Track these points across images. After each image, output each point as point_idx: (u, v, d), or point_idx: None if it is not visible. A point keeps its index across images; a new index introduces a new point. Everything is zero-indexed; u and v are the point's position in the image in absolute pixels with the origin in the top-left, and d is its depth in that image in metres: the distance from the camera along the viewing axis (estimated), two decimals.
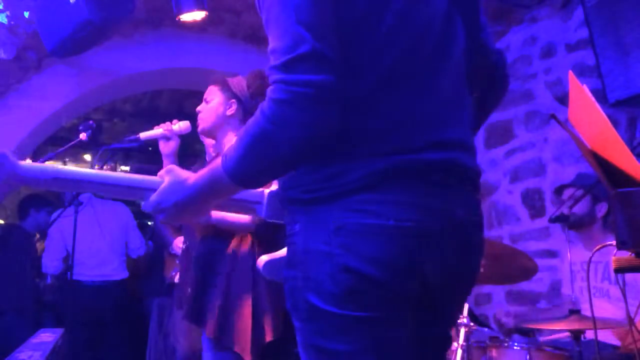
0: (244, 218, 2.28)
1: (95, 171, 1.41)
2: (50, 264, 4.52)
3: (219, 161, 1.18)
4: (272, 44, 1.10)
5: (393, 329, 1.14)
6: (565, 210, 3.18)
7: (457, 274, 1.22)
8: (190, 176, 1.27)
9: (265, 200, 1.38)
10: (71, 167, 1.38)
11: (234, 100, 2.42)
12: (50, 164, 1.38)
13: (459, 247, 1.19)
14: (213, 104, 2.44)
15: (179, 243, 3.47)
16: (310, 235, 1.14)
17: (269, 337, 2.30)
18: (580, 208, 3.09)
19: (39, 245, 4.89)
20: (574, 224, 3.13)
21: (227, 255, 2.37)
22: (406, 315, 1.16)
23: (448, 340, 1.33)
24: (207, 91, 2.50)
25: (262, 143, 1.10)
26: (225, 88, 2.45)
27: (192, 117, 3.25)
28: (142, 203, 1.33)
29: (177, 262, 3.63)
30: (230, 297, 2.32)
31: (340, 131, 1.12)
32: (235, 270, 2.35)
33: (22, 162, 1.34)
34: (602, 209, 3.07)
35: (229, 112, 2.40)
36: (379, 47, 1.15)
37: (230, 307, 2.31)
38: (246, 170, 1.14)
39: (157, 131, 2.75)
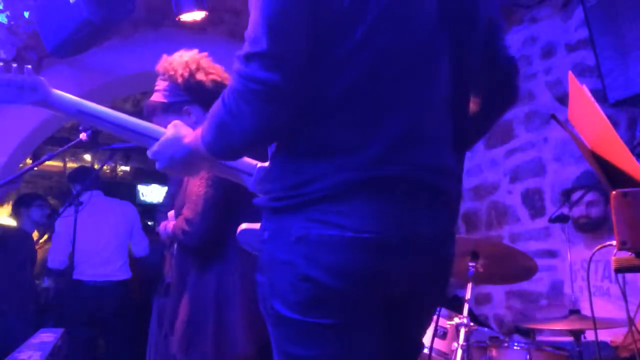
0: None
1: (115, 113, 1.51)
2: (56, 258, 4.51)
3: (198, 136, 1.28)
4: (247, 29, 1.17)
5: (357, 336, 1.17)
6: (565, 210, 3.18)
7: (421, 286, 1.24)
8: (187, 134, 1.36)
9: (254, 173, 1.46)
10: (94, 105, 1.50)
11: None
12: (77, 99, 1.49)
13: (423, 260, 1.21)
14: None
15: None
16: (276, 244, 1.18)
17: (241, 349, 2.04)
18: (596, 211, 3.10)
19: (42, 245, 4.90)
20: (588, 227, 3.13)
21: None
22: (370, 323, 1.18)
23: (418, 348, 1.38)
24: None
25: (223, 129, 1.19)
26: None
27: None
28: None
29: None
30: (194, 310, 2.14)
31: (307, 141, 1.17)
32: (200, 283, 2.15)
33: (54, 91, 1.48)
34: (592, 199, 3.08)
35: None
36: (349, 59, 1.16)
37: (194, 321, 2.12)
38: (216, 146, 1.23)
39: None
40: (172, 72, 2.27)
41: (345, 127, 1.16)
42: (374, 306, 1.18)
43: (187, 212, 2.13)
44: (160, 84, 2.28)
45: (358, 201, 1.13)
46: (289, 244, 1.15)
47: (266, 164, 1.37)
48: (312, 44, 1.14)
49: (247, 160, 1.47)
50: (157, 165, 1.42)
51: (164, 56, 2.35)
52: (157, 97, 2.27)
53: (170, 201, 3.60)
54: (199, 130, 1.28)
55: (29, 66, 1.46)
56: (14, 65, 1.44)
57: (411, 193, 1.17)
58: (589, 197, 3.13)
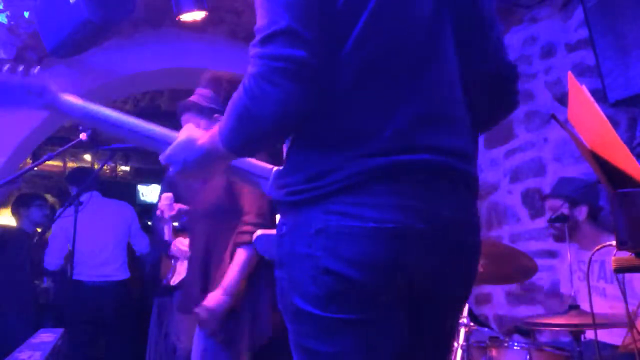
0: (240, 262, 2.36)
1: (122, 116, 1.49)
2: (52, 260, 4.52)
3: (215, 134, 1.23)
4: (257, 23, 1.14)
5: (378, 332, 1.14)
6: (565, 210, 3.18)
7: (448, 275, 1.20)
8: (201, 136, 1.30)
9: (271, 177, 1.41)
10: (101, 108, 1.49)
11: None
12: (84, 103, 1.49)
13: (447, 248, 1.17)
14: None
15: (177, 244, 3.46)
16: (295, 237, 1.15)
17: (269, 334, 2.34)
18: (571, 220, 3.10)
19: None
20: (557, 237, 3.15)
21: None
22: (393, 317, 1.15)
23: (448, 344, 1.31)
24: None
25: (244, 118, 1.13)
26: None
27: None
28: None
29: (173, 263, 3.61)
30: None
31: (323, 130, 1.14)
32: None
33: (61, 95, 1.46)
34: (581, 211, 3.07)
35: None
36: (363, 42, 1.14)
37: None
38: (236, 140, 1.18)
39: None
40: (218, 84, 2.42)
41: (359, 115, 1.14)
42: (397, 299, 1.15)
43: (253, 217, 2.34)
44: (203, 90, 2.45)
45: (378, 190, 1.10)
46: (309, 237, 1.12)
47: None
48: (327, 24, 1.12)
49: (263, 164, 1.44)
50: (170, 170, 1.36)
51: (213, 71, 2.53)
52: (196, 99, 2.44)
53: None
54: (215, 129, 1.24)
55: (38, 67, 1.44)
56: (21, 68, 1.42)
57: (432, 178, 1.15)
58: (552, 204, 3.13)
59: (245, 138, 1.17)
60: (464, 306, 1.52)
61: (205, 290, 2.44)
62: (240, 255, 2.38)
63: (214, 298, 2.37)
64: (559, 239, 3.15)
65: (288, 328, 1.21)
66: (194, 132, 1.33)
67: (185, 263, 3.35)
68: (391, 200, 1.10)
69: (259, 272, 2.38)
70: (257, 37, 1.11)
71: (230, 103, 1.16)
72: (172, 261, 3.62)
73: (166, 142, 1.41)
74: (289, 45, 1.07)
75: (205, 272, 2.48)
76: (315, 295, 1.12)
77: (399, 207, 1.10)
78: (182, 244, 3.41)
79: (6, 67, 1.39)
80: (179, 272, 3.46)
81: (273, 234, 1.37)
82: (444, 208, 1.15)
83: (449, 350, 1.33)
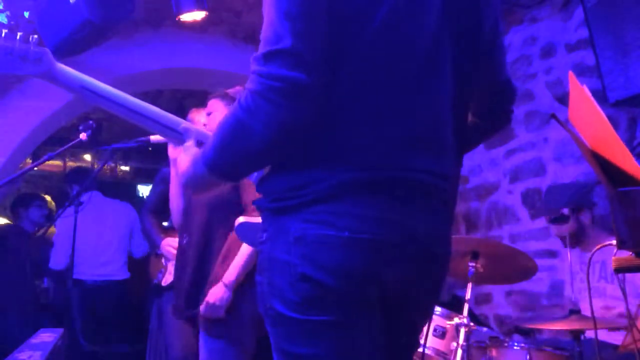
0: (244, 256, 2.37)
1: (120, 93, 1.47)
2: (58, 259, 4.51)
3: (200, 154, 1.23)
4: (263, 31, 1.14)
5: (354, 333, 1.17)
6: (566, 210, 3.18)
7: (418, 285, 1.25)
8: (192, 157, 1.29)
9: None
10: (99, 83, 1.46)
11: None
12: (82, 75, 1.45)
13: (420, 259, 1.22)
14: (216, 115, 2.49)
15: (167, 243, 3.45)
16: (275, 244, 1.18)
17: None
18: (572, 227, 3.10)
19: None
20: (574, 242, 3.14)
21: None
22: (367, 321, 1.19)
23: (414, 347, 1.39)
24: (209, 104, 2.55)
25: (236, 132, 1.13)
26: (225, 98, 2.49)
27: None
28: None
29: (164, 263, 3.60)
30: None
31: (310, 142, 1.15)
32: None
33: (59, 64, 1.43)
34: (586, 216, 3.07)
35: None
36: (362, 61, 1.16)
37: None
38: (220, 160, 1.18)
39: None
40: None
41: (347, 131, 1.16)
42: (371, 304, 1.19)
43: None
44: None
45: (356, 202, 1.14)
46: (287, 244, 1.16)
47: None
48: (330, 42, 1.12)
49: (172, 116, 1.47)
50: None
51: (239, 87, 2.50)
52: (230, 90, 2.51)
53: (156, 199, 3.61)
54: (193, 158, 1.26)
55: (35, 36, 1.41)
56: (20, 34, 1.39)
57: (408, 194, 1.19)
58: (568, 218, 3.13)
59: (230, 156, 1.17)
60: (432, 311, 1.58)
61: (197, 286, 2.44)
62: (245, 249, 2.38)
63: (216, 293, 2.37)
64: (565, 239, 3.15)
65: (268, 331, 1.24)
66: (190, 152, 1.34)
67: None
68: (368, 212, 1.14)
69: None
70: (260, 51, 1.11)
71: (221, 121, 1.17)
72: (163, 261, 3.60)
73: (157, 121, 1.44)
74: (290, 67, 1.08)
75: (200, 265, 2.48)
76: (292, 300, 1.15)
77: (375, 219, 1.14)
78: (170, 244, 3.41)
79: (3, 33, 1.38)
80: (170, 272, 3.44)
81: (254, 222, 1.42)
82: (419, 223, 1.20)
83: (414, 351, 1.40)
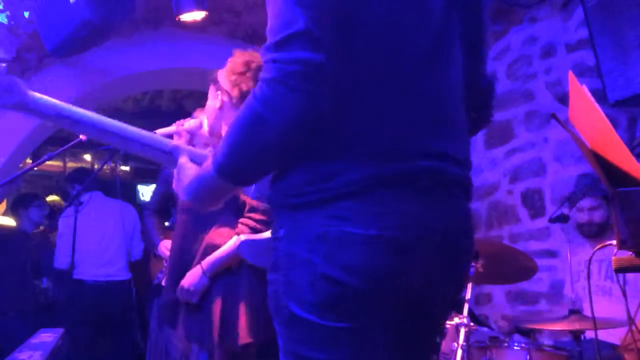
0: (229, 248, 2.32)
1: (98, 116, 1.40)
2: (62, 258, 4.50)
3: (210, 160, 1.17)
4: (269, 23, 1.08)
5: (374, 339, 1.12)
6: (566, 210, 3.18)
7: (442, 282, 1.20)
8: (195, 171, 1.26)
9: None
10: (76, 108, 1.40)
11: (219, 92, 2.34)
12: (57, 101, 1.39)
13: (443, 254, 1.17)
14: (209, 101, 2.41)
15: (165, 245, 3.46)
16: (294, 241, 1.12)
17: (243, 340, 2.27)
18: (599, 215, 3.10)
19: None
20: (593, 232, 3.14)
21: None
22: (388, 325, 1.13)
23: (436, 348, 1.31)
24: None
25: (252, 125, 1.07)
26: (215, 82, 2.39)
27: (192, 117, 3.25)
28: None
29: (165, 264, 3.60)
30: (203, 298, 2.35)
31: (325, 133, 1.09)
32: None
33: (32, 93, 1.36)
34: None
35: (217, 105, 2.33)
36: (372, 46, 1.12)
37: (203, 308, 2.33)
38: (235, 160, 1.11)
39: (171, 128, 2.83)
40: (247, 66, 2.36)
41: (361, 119, 1.11)
42: (393, 307, 1.13)
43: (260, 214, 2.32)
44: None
45: (380, 198, 1.08)
46: (308, 241, 1.09)
47: None
48: (340, 26, 1.07)
49: (164, 138, 1.42)
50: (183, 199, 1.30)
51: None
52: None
53: (158, 200, 3.61)
54: (199, 169, 1.21)
55: (4, 64, 1.39)
56: None
57: (430, 185, 1.13)
58: (589, 202, 3.14)
59: (246, 156, 1.11)
60: (451, 310, 1.54)
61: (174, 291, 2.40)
62: (233, 242, 2.33)
63: (192, 278, 2.33)
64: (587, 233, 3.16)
65: (278, 332, 1.17)
66: (186, 167, 1.30)
67: None
68: (392, 207, 1.09)
69: (240, 277, 2.34)
70: (271, 40, 1.06)
71: (234, 120, 1.10)
72: (164, 262, 3.61)
73: (154, 147, 1.38)
74: (307, 48, 1.02)
75: (179, 270, 2.43)
76: (311, 301, 1.09)
77: (400, 214, 1.09)
78: (167, 247, 3.40)
79: None
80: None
81: (258, 239, 1.38)
82: (441, 215, 1.15)
83: (436, 351, 1.35)
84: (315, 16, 1.03)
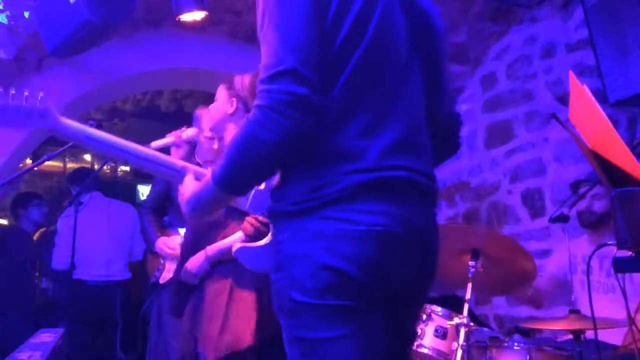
0: (234, 240, 2.39)
1: (118, 139, 1.62)
2: (60, 259, 4.51)
3: (209, 175, 1.37)
4: (263, 60, 1.29)
5: (370, 317, 1.30)
6: (566, 210, 3.17)
7: (417, 272, 1.40)
8: (196, 185, 1.46)
9: (250, 195, 1.63)
10: (99, 132, 1.63)
11: (234, 98, 2.48)
12: (83, 126, 1.63)
13: (418, 247, 1.38)
14: (218, 102, 2.53)
15: (162, 241, 3.46)
16: (295, 242, 1.30)
17: (246, 343, 2.32)
18: (600, 205, 3.06)
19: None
20: (591, 222, 3.09)
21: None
22: (377, 309, 1.32)
23: (414, 335, 1.57)
24: (217, 90, 2.58)
25: (248, 144, 1.27)
26: (229, 87, 2.53)
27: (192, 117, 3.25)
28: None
29: (162, 261, 3.59)
30: (203, 298, 2.43)
31: (319, 149, 1.30)
32: (213, 274, 2.46)
33: (62, 119, 1.59)
34: None
35: (230, 110, 2.47)
36: (354, 76, 1.32)
37: (203, 309, 2.40)
38: (232, 174, 1.32)
39: (168, 139, 2.95)
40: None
41: (349, 137, 1.31)
42: (381, 294, 1.32)
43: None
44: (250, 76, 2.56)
45: (366, 200, 1.29)
46: (308, 239, 1.28)
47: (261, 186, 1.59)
48: (325, 63, 1.29)
49: (174, 159, 1.68)
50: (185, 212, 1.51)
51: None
52: (237, 78, 2.57)
53: (155, 198, 3.61)
54: (201, 183, 1.42)
55: (42, 93, 1.56)
56: (26, 93, 1.55)
57: (406, 191, 1.35)
58: (594, 190, 3.08)
59: (242, 169, 1.31)
60: (424, 302, 1.77)
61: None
62: (238, 236, 2.41)
63: (195, 261, 2.45)
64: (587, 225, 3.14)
65: (283, 326, 1.32)
66: (187, 184, 1.52)
67: (174, 262, 3.35)
68: (377, 208, 1.29)
69: (241, 282, 2.39)
70: (265, 75, 1.27)
71: (232, 140, 1.30)
72: (161, 259, 3.60)
73: (170, 168, 1.62)
74: (293, 83, 1.23)
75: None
76: (313, 288, 1.26)
77: (384, 213, 1.29)
78: (165, 243, 3.41)
79: (11, 93, 1.54)
80: (168, 270, 3.44)
81: (253, 247, 1.56)
82: (415, 215, 1.36)
83: (414, 340, 1.54)
84: (302, 58, 1.25)
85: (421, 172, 1.39)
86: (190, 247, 2.56)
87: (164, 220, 3.70)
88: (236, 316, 2.36)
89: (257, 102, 1.26)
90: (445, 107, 1.60)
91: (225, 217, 2.48)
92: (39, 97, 1.55)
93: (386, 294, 1.33)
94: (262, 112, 1.25)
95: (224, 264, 2.43)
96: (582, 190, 3.15)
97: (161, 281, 3.47)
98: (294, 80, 1.24)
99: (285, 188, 1.35)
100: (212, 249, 2.46)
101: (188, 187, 1.50)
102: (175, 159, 1.62)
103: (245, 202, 1.62)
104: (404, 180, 1.34)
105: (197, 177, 1.55)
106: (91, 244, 4.26)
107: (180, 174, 1.60)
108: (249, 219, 2.39)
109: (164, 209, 3.60)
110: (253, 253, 1.56)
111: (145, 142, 2.86)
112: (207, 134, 2.89)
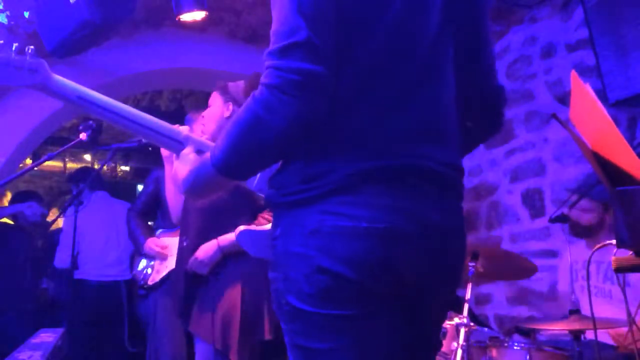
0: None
1: (117, 103, 1.46)
2: (63, 258, 4.50)
3: (208, 154, 1.22)
4: (273, 26, 1.14)
5: (372, 327, 1.16)
6: (565, 210, 3.18)
7: (434, 275, 1.23)
8: (195, 162, 1.29)
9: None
10: (96, 93, 1.45)
11: (230, 102, 2.46)
12: (78, 85, 1.45)
13: (434, 249, 1.20)
14: (213, 107, 2.51)
15: (152, 241, 3.45)
16: (289, 238, 1.17)
17: (266, 336, 2.35)
18: (588, 218, 3.08)
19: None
20: (581, 233, 3.13)
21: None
22: (386, 314, 1.18)
23: (436, 346, 1.35)
24: (211, 97, 2.57)
25: (252, 127, 1.12)
26: (224, 92, 2.50)
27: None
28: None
29: (145, 263, 3.58)
30: (217, 295, 2.40)
31: (321, 134, 1.15)
32: (226, 268, 2.43)
33: (55, 76, 1.42)
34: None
35: (226, 114, 2.45)
36: (369, 55, 1.18)
37: (217, 306, 2.37)
38: (232, 157, 1.16)
39: None
40: (252, 83, 2.50)
41: (356, 122, 1.17)
42: (389, 297, 1.18)
43: None
44: (241, 82, 2.52)
45: (370, 192, 1.14)
46: (303, 236, 1.15)
47: None
48: (339, 37, 1.14)
49: (173, 126, 1.48)
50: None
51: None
52: (230, 83, 2.53)
53: (146, 200, 3.60)
54: (199, 161, 1.27)
55: (32, 47, 1.40)
56: (15, 44, 1.40)
57: (422, 183, 1.19)
58: (584, 203, 3.11)
59: (243, 153, 1.16)
60: (448, 307, 1.57)
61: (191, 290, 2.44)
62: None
63: (206, 250, 2.40)
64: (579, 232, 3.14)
65: (283, 328, 1.22)
66: (188, 158, 1.34)
67: (164, 263, 3.35)
68: (383, 201, 1.14)
69: (257, 276, 2.37)
70: (275, 46, 1.11)
71: (233, 118, 1.15)
72: (145, 261, 3.58)
73: (155, 130, 1.44)
74: (307, 59, 1.09)
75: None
76: (309, 293, 1.14)
77: (390, 208, 1.14)
78: (155, 242, 3.40)
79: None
80: (157, 271, 3.42)
81: (256, 230, 1.44)
82: (433, 212, 1.19)
83: (436, 350, 1.36)
84: (316, 27, 1.10)
85: (442, 161, 1.22)
86: (200, 233, 2.48)
87: (151, 225, 3.70)
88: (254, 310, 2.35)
89: (264, 80, 1.11)
90: (490, 79, 1.40)
91: (235, 201, 2.40)
92: (29, 50, 1.40)
93: (396, 300, 1.19)
94: (269, 92, 1.10)
95: (241, 258, 2.37)
96: (572, 199, 3.17)
97: (150, 282, 3.44)
98: (308, 56, 1.08)
99: (283, 175, 1.21)
100: (224, 239, 2.39)
101: (185, 163, 1.31)
102: (179, 129, 1.46)
103: (252, 180, 1.45)
104: (419, 169, 1.18)
105: (201, 150, 1.38)
106: (95, 244, 4.25)
107: (182, 145, 1.42)
108: (264, 214, 2.39)
109: (152, 212, 3.60)
110: (254, 237, 1.44)
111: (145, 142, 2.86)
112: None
